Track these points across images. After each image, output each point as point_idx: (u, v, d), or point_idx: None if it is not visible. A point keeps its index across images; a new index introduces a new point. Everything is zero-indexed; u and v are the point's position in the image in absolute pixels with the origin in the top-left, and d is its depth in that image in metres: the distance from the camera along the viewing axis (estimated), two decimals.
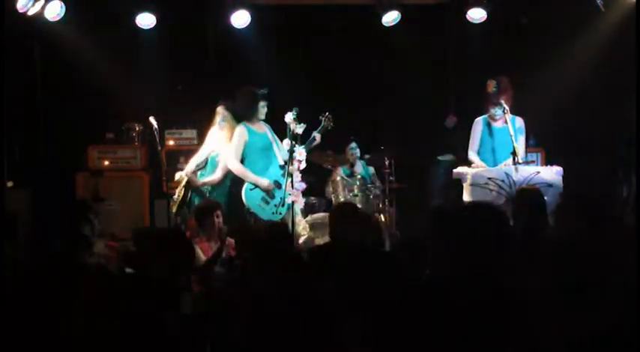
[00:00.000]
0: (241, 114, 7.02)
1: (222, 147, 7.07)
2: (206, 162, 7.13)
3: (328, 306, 3.50)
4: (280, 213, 6.86)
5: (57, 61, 8.44)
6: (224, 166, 7.01)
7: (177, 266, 3.69)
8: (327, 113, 7.23)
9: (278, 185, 6.88)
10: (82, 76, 8.41)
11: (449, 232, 3.63)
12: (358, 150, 8.50)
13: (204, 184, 7.06)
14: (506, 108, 7.07)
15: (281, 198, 6.84)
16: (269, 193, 6.86)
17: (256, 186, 6.86)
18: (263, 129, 7.08)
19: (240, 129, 6.94)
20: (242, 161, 6.93)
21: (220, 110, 7.13)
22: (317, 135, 7.13)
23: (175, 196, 7.07)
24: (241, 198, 6.87)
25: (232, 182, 7.03)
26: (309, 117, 7.00)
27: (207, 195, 7.03)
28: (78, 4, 7.90)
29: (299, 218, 7.01)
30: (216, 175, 7.04)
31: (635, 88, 6.82)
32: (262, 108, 7.00)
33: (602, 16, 7.99)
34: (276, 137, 7.10)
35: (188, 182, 7.03)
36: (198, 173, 7.10)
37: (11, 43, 6.92)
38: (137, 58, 8.59)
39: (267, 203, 6.86)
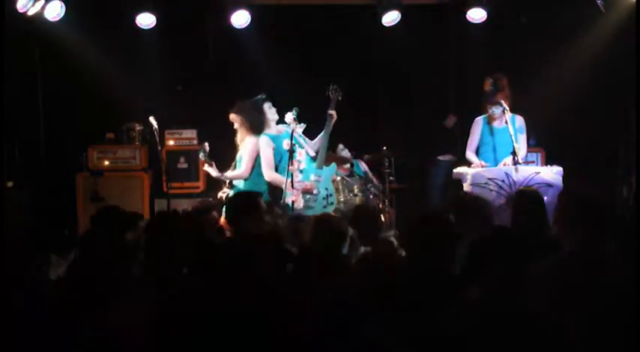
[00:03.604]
0: (257, 126, 7.02)
1: (241, 148, 7.12)
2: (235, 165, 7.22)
3: None
4: (332, 203, 6.97)
5: (57, 61, 8.43)
6: (247, 161, 7.01)
7: None
8: (331, 86, 7.12)
9: (317, 179, 6.94)
10: (82, 76, 8.41)
11: None
12: (347, 151, 8.51)
13: (226, 177, 7.11)
14: (506, 107, 7.07)
15: (326, 189, 6.93)
16: (311, 191, 6.88)
17: None
18: (282, 130, 7.09)
19: (264, 140, 6.97)
20: (277, 168, 6.96)
21: (232, 117, 7.16)
22: (332, 112, 7.04)
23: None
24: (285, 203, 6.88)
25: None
26: (308, 118, 7.00)
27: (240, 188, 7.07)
28: (78, 4, 7.90)
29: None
30: (241, 169, 7.06)
31: (635, 88, 6.82)
32: (270, 109, 7.03)
33: (602, 16, 7.98)
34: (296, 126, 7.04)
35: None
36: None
37: (11, 43, 6.92)
38: (137, 58, 8.59)
39: (315, 200, 6.90)
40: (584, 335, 3.11)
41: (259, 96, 7.03)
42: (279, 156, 6.99)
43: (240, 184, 7.12)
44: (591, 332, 3.14)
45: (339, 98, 7.13)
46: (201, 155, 7.05)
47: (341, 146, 8.45)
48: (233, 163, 7.22)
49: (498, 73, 7.33)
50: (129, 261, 3.74)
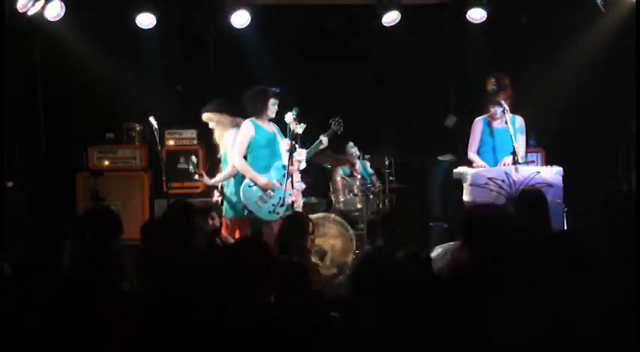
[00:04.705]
0: (250, 111, 7.00)
1: (222, 145, 7.16)
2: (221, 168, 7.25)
3: None
4: (278, 213, 6.82)
5: (57, 61, 8.43)
6: (231, 163, 7.04)
7: None
8: (337, 117, 7.26)
9: (278, 185, 6.88)
10: (82, 76, 8.40)
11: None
12: (357, 149, 8.51)
13: (218, 181, 7.14)
14: (506, 107, 7.08)
15: (280, 198, 6.83)
16: (267, 192, 6.85)
17: (255, 183, 6.86)
18: (271, 128, 7.05)
19: (247, 126, 6.93)
20: (246, 157, 6.93)
21: (206, 116, 7.19)
22: (324, 139, 7.15)
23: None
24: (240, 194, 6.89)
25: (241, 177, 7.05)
26: (308, 118, 7.00)
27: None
28: (78, 4, 7.89)
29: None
30: (228, 167, 7.07)
31: (635, 87, 6.83)
32: (272, 106, 6.97)
33: (602, 16, 7.99)
34: (284, 138, 7.03)
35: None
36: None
37: (11, 43, 6.91)
38: (137, 58, 8.58)
39: (265, 202, 6.84)
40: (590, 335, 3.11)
41: (274, 88, 7.01)
42: (254, 148, 6.92)
43: (229, 184, 7.11)
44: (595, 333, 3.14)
45: (339, 132, 7.25)
46: (190, 168, 7.16)
47: (351, 143, 8.47)
48: (220, 166, 7.25)
49: (500, 72, 7.34)
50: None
